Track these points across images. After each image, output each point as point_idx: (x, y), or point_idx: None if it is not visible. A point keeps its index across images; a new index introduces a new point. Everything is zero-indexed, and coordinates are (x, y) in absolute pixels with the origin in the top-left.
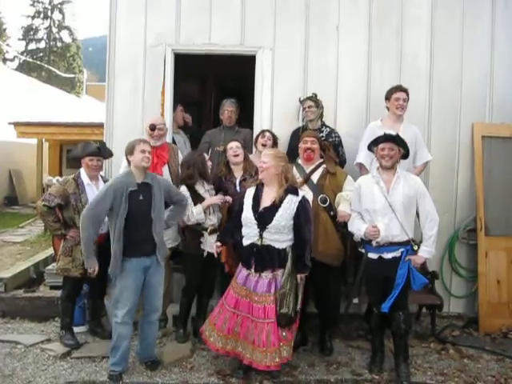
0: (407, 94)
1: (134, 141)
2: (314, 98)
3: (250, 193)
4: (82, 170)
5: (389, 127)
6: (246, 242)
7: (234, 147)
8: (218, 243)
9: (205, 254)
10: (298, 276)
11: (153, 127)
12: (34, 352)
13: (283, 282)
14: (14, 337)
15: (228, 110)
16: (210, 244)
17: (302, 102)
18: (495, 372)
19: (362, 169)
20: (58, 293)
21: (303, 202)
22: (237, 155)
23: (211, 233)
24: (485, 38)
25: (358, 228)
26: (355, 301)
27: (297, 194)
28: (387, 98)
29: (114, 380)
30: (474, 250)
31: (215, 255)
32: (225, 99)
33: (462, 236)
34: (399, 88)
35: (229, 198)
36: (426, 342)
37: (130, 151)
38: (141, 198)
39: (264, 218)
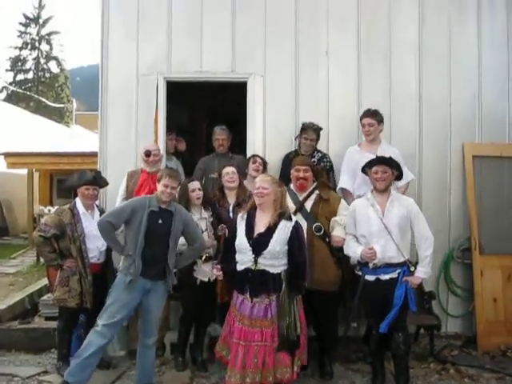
0: (375, 118)
1: (163, 170)
2: (317, 131)
3: (241, 219)
4: (78, 200)
5: (366, 151)
6: (240, 267)
7: (229, 173)
8: (218, 266)
9: (198, 282)
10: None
11: (148, 153)
12: None
13: (283, 307)
14: (11, 369)
15: (219, 138)
16: (204, 272)
17: (304, 127)
18: None
19: (345, 193)
20: (53, 324)
21: (297, 226)
22: (232, 181)
23: (206, 261)
24: (472, 58)
25: (353, 251)
26: (354, 324)
27: (290, 219)
28: (360, 122)
29: None
30: (470, 269)
31: (218, 278)
32: (216, 126)
33: (457, 255)
34: (365, 113)
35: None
36: (425, 362)
37: (158, 179)
38: (160, 221)
39: (259, 243)
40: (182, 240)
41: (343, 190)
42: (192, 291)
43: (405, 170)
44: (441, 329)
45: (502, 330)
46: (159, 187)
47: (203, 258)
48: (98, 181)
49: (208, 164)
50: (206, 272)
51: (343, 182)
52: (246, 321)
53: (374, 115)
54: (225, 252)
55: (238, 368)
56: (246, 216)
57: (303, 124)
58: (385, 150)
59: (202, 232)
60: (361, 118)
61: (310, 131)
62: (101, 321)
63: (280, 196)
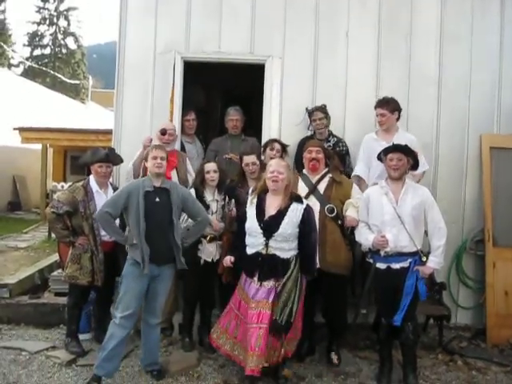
0: (388, 107)
1: (149, 147)
2: (323, 109)
3: (252, 202)
4: (91, 177)
5: (383, 139)
6: (250, 250)
7: (250, 164)
8: (232, 258)
9: (201, 261)
10: (304, 283)
11: (164, 132)
12: (38, 359)
13: (285, 290)
14: (19, 343)
15: (233, 118)
16: (208, 252)
17: (310, 112)
18: None
19: (360, 181)
20: (63, 299)
21: (308, 209)
22: (254, 172)
23: (210, 241)
24: (494, 47)
25: (365, 238)
26: (363, 311)
27: (301, 201)
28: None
29: None
30: (482, 260)
31: (225, 265)
32: (229, 107)
33: (470, 247)
34: (378, 103)
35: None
36: (433, 353)
37: (145, 158)
38: (157, 199)
39: (270, 226)
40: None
41: (358, 177)
42: (196, 271)
43: (422, 159)
44: (450, 320)
45: None
46: (149, 163)
47: (208, 238)
48: (111, 158)
49: (220, 145)
50: (211, 252)
51: (358, 169)
52: (250, 303)
53: (386, 104)
54: (235, 236)
55: (229, 335)
56: (256, 199)
57: (306, 109)
58: (401, 138)
59: (212, 214)
60: (375, 107)
61: (316, 112)
62: (118, 313)
63: (292, 182)
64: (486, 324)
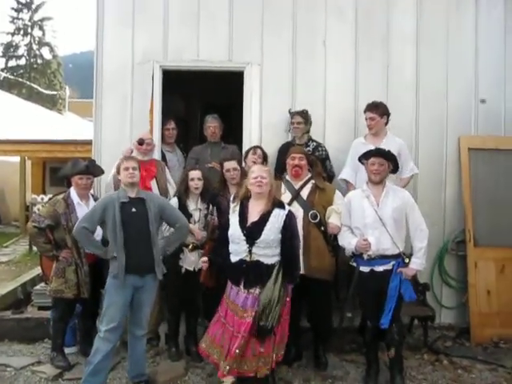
0: (377, 111)
1: (119, 161)
2: (303, 115)
3: (234, 209)
4: (72, 189)
5: (371, 143)
6: (234, 258)
7: (231, 170)
8: (205, 258)
9: (182, 270)
10: (289, 287)
11: (141, 142)
12: (24, 375)
13: (267, 295)
14: (4, 359)
15: (211, 125)
16: (190, 261)
17: (291, 114)
18: (489, 381)
19: (348, 185)
20: (46, 313)
21: (290, 215)
22: (234, 178)
23: (192, 249)
24: (469, 50)
25: (348, 242)
26: (348, 315)
27: (283, 207)
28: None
29: None
30: (464, 261)
31: (203, 269)
32: (207, 115)
33: (452, 247)
34: (367, 107)
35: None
36: (419, 353)
37: (118, 171)
38: (133, 209)
39: (252, 233)
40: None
41: (345, 181)
42: (177, 280)
43: (410, 163)
44: (435, 320)
45: (495, 322)
46: (121, 174)
47: (190, 246)
48: (92, 170)
49: (200, 153)
50: (192, 261)
51: (345, 173)
52: (239, 312)
53: (375, 108)
54: (217, 243)
55: (216, 343)
56: (238, 206)
57: (289, 111)
58: (390, 142)
59: (194, 223)
60: (364, 111)
61: (296, 116)
62: (102, 326)
63: (274, 188)
64: (470, 323)
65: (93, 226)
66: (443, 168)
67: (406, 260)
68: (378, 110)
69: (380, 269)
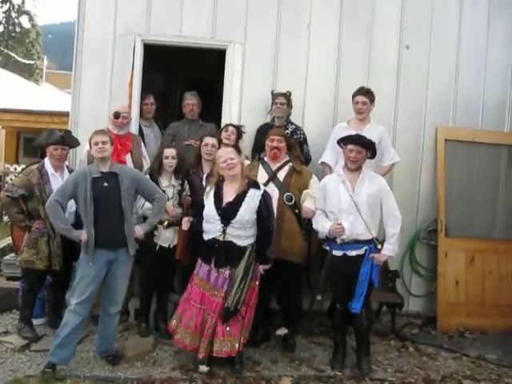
0: (369, 96)
1: (91, 135)
2: (287, 96)
3: (210, 191)
4: (47, 160)
5: (354, 128)
6: (207, 236)
7: (209, 145)
8: (191, 218)
9: (157, 247)
10: (261, 267)
11: (117, 115)
12: None
13: (234, 278)
14: None
15: (189, 102)
16: (164, 238)
17: (274, 95)
18: (453, 369)
19: (326, 168)
20: (15, 284)
21: (265, 195)
22: (210, 153)
23: (167, 226)
24: (452, 41)
25: (322, 225)
26: (318, 298)
27: (259, 187)
28: (352, 99)
29: (44, 371)
30: (435, 250)
31: (184, 226)
32: (186, 92)
33: (423, 236)
34: (359, 90)
35: (186, 221)
36: (386, 339)
37: (90, 145)
38: (105, 184)
39: (227, 213)
40: (147, 205)
41: (324, 164)
42: (151, 256)
43: (391, 151)
44: (403, 307)
45: (462, 312)
46: (92, 149)
47: (165, 223)
48: (67, 141)
49: (178, 130)
50: (167, 238)
51: (326, 156)
52: (210, 289)
53: (367, 94)
54: (193, 216)
55: (191, 330)
56: (214, 188)
57: (272, 92)
58: (373, 129)
59: (168, 200)
60: (353, 95)
61: (279, 96)
62: (73, 299)
63: (244, 165)
64: (437, 312)
65: (64, 200)
66: (419, 157)
67: (379, 246)
68: (370, 95)
69: (353, 253)
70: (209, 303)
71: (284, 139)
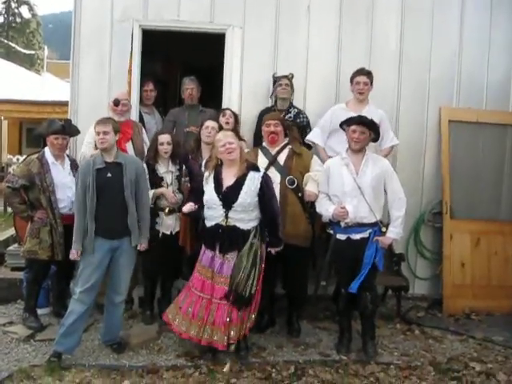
0: (369, 77)
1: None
2: (289, 78)
3: (209, 176)
4: (47, 149)
5: (353, 110)
6: (209, 223)
7: (209, 127)
8: (192, 205)
9: (160, 234)
10: (273, 250)
11: (117, 102)
12: None
13: (243, 262)
14: None
15: (188, 87)
16: (166, 225)
17: (276, 77)
18: (459, 352)
19: (316, 146)
20: (19, 274)
21: (265, 177)
22: (210, 136)
23: (169, 213)
24: (455, 21)
25: (326, 209)
26: (323, 283)
27: (258, 170)
28: (351, 81)
29: (49, 361)
30: (440, 232)
31: (184, 210)
32: (185, 77)
33: (428, 219)
34: (360, 71)
35: (188, 207)
36: (391, 322)
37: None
38: (109, 175)
39: (228, 197)
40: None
41: (313, 143)
42: (154, 244)
43: (391, 134)
44: (408, 290)
45: (468, 294)
46: (95, 138)
47: (166, 210)
48: (68, 130)
49: (178, 116)
50: (169, 225)
51: (314, 134)
52: (218, 278)
53: (367, 75)
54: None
55: (194, 319)
56: (213, 173)
57: (274, 75)
58: (372, 112)
59: (167, 186)
60: (353, 76)
61: (283, 78)
62: (77, 288)
63: (243, 148)
64: (443, 294)
65: (82, 197)
66: (423, 139)
67: (383, 229)
68: (370, 76)
69: (357, 237)
70: (211, 291)
71: (280, 122)
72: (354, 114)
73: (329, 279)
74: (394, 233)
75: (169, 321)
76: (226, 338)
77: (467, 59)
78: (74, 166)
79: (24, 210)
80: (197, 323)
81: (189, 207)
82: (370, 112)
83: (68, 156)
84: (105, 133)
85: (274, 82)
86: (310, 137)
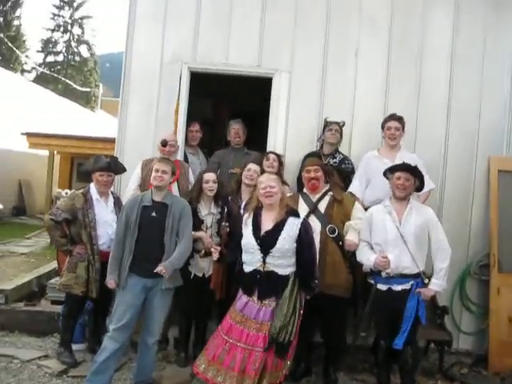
0: (401, 123)
1: (155, 159)
2: (340, 125)
3: (248, 219)
4: (92, 185)
5: (385, 156)
6: (247, 268)
7: (251, 170)
8: (219, 248)
9: (191, 276)
10: (303, 299)
11: (164, 143)
12: (30, 368)
13: (283, 308)
14: (11, 351)
15: (234, 127)
16: (199, 268)
17: (328, 122)
18: None
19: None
20: (59, 308)
21: (305, 223)
22: (252, 179)
23: (203, 256)
24: (505, 68)
25: (367, 258)
26: (362, 334)
27: (298, 216)
28: (382, 127)
29: None
30: (486, 286)
31: (213, 256)
32: (232, 120)
33: (474, 271)
34: (392, 117)
35: (214, 250)
36: (433, 378)
37: (151, 169)
38: (154, 214)
39: (266, 241)
40: None
41: (351, 194)
42: (186, 286)
43: (426, 178)
44: (452, 345)
45: None
46: (152, 175)
47: (201, 252)
48: (113, 167)
49: (223, 158)
50: (202, 267)
51: (353, 186)
52: (252, 324)
53: (399, 120)
54: (230, 243)
55: (235, 371)
56: (251, 216)
57: (326, 119)
58: (405, 157)
59: (206, 229)
60: (385, 122)
61: (334, 124)
62: (111, 325)
63: (284, 194)
64: (489, 351)
65: (121, 236)
66: (471, 188)
67: (426, 280)
68: (401, 122)
69: (398, 288)
70: (238, 336)
71: (320, 168)
72: (386, 160)
73: (368, 330)
74: (437, 285)
75: (198, 371)
76: None
77: None
78: (118, 203)
79: (64, 243)
80: (216, 365)
81: (216, 253)
82: (402, 157)
83: (112, 193)
84: (163, 171)
85: (324, 127)
86: (350, 189)
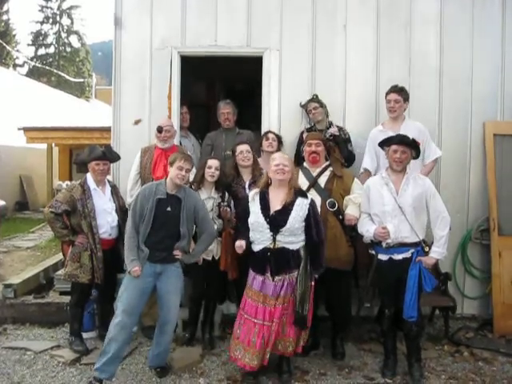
0: (401, 94)
1: (177, 154)
2: (316, 99)
3: (255, 197)
4: (89, 175)
5: (389, 129)
6: (257, 247)
7: (243, 151)
8: (243, 244)
9: (200, 260)
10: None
11: (160, 129)
12: (43, 359)
13: (300, 282)
14: (24, 343)
15: (224, 111)
16: (207, 251)
17: (303, 105)
18: (510, 374)
19: (365, 175)
20: (67, 298)
21: (313, 204)
22: (247, 159)
23: None
24: (496, 32)
25: (367, 229)
26: (367, 305)
27: (306, 196)
28: (385, 99)
29: None
30: (488, 250)
31: (239, 251)
32: (220, 101)
33: (475, 236)
34: (391, 89)
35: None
36: (439, 344)
37: (171, 162)
38: (168, 209)
39: (276, 221)
40: None
41: (366, 170)
42: (196, 270)
43: (432, 146)
44: (456, 310)
45: None
46: (173, 171)
47: None
48: (108, 156)
49: (215, 139)
50: (210, 250)
51: (365, 163)
52: (271, 301)
53: (400, 92)
54: (238, 228)
55: (257, 348)
56: (258, 195)
57: (300, 104)
58: (409, 127)
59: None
60: (386, 94)
61: (310, 103)
62: (117, 310)
63: (294, 176)
64: (493, 314)
65: (136, 224)
66: (467, 154)
67: (426, 249)
68: (403, 93)
69: (399, 257)
70: (263, 315)
71: (322, 142)
72: (390, 133)
73: (373, 300)
74: (438, 253)
75: (234, 357)
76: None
77: (510, 71)
78: (115, 191)
79: (66, 234)
80: (251, 349)
81: (240, 248)
82: (407, 127)
83: (109, 182)
84: (187, 170)
85: (305, 109)
86: (364, 165)
